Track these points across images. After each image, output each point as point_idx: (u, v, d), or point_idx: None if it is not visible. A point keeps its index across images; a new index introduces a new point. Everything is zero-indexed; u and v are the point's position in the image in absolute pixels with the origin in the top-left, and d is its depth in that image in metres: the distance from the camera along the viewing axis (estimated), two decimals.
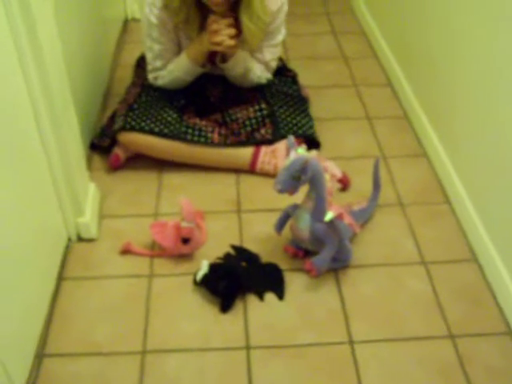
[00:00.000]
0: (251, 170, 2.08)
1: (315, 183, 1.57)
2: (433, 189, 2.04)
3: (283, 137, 2.06)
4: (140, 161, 2.12)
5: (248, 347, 1.55)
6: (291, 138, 1.58)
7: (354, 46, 2.89)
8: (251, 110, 2.11)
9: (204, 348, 1.55)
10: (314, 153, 1.57)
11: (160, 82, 2.14)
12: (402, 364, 1.52)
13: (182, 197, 1.72)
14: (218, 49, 1.97)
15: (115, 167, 2.09)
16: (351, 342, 1.57)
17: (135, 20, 3.09)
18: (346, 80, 2.63)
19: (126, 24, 3.06)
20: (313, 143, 2.10)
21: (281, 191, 1.55)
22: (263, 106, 2.12)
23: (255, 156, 2.06)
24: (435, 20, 2.12)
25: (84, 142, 1.95)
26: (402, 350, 1.55)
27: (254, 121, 2.09)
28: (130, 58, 2.63)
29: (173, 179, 2.07)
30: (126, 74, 2.56)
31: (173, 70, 2.09)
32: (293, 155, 1.54)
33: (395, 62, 2.56)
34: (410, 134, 2.30)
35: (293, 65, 2.64)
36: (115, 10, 2.89)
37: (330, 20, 3.12)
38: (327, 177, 1.59)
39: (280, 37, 2.14)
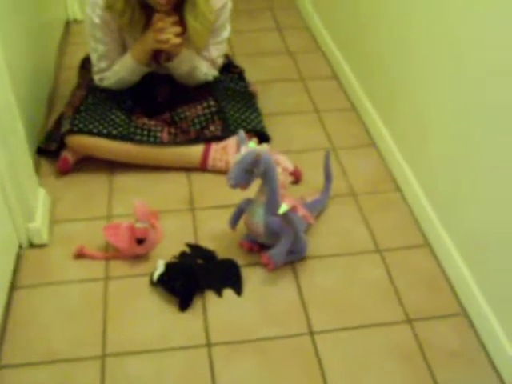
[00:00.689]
0: (202, 167, 2.07)
1: (268, 177, 1.57)
2: (383, 178, 2.07)
3: (233, 133, 2.06)
4: (90, 163, 2.08)
5: (209, 344, 1.54)
6: (241, 133, 1.58)
7: (299, 41, 2.90)
8: (199, 107, 2.10)
9: (165, 348, 1.54)
10: (265, 146, 1.58)
11: (106, 83, 2.11)
12: (364, 351, 1.53)
13: (135, 198, 1.71)
14: (164, 47, 1.95)
15: (64, 171, 2.06)
16: (312, 333, 1.57)
17: (77, 21, 3.03)
18: (293, 74, 2.64)
19: (68, 25, 3.00)
20: (262, 138, 2.10)
21: (234, 186, 1.55)
22: (211, 103, 2.11)
23: (206, 153, 2.05)
24: (380, 11, 2.14)
25: (30, 147, 1.91)
26: (362, 338, 1.57)
27: (202, 118, 2.08)
28: (73, 60, 2.58)
29: (124, 180, 2.04)
30: (70, 76, 2.52)
31: (118, 70, 2.07)
32: (244, 149, 1.54)
33: (340, 55, 2.59)
34: (358, 125, 2.33)
35: (238, 61, 2.63)
36: (56, 12, 2.84)
37: (273, 15, 3.12)
38: (279, 170, 1.60)
39: (225, 33, 2.13)
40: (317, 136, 2.26)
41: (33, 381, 1.47)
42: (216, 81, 2.21)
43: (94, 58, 2.08)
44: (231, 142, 2.06)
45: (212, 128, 2.08)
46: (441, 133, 1.74)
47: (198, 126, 2.07)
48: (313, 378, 1.48)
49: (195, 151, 2.06)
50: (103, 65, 2.08)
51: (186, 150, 2.06)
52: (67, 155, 2.05)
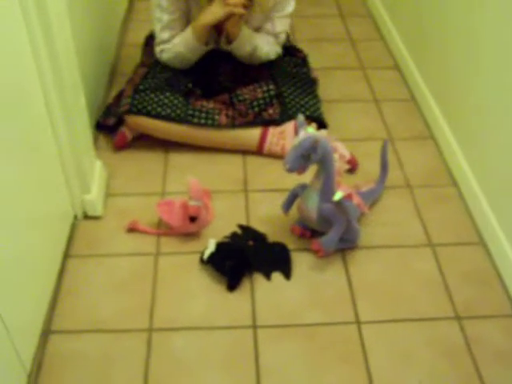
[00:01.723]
0: (259, 151, 2.07)
1: (324, 163, 1.56)
2: (440, 171, 2.04)
3: (291, 117, 2.05)
4: (146, 140, 2.10)
5: (255, 326, 1.55)
6: (301, 117, 1.56)
7: (361, 29, 2.87)
8: (259, 90, 2.10)
9: (211, 326, 1.55)
10: (323, 132, 1.56)
11: (165, 56, 2.11)
12: (409, 344, 1.52)
13: (190, 176, 1.71)
14: (229, 10, 1.94)
15: (121, 146, 2.09)
16: (358, 323, 1.56)
17: None
18: (353, 62, 2.61)
19: (132, 2, 3.03)
20: (320, 125, 2.09)
21: (290, 170, 1.54)
22: (271, 86, 2.10)
23: (263, 137, 2.05)
24: (449, 5, 2.10)
25: (90, 121, 1.93)
26: (408, 331, 1.55)
27: (261, 101, 2.07)
28: (136, 37, 2.62)
29: (180, 158, 2.06)
30: (132, 53, 2.55)
31: (177, 43, 2.07)
32: (302, 134, 1.52)
33: (403, 45, 2.55)
34: (417, 116, 2.29)
35: (300, 46, 2.62)
36: None
37: (337, 2, 3.09)
38: (336, 157, 1.58)
39: (289, 8, 2.12)
40: (375, 125, 2.24)
41: (79, 348, 1.49)
42: (278, 64, 2.20)
43: (157, 28, 2.08)
44: (289, 126, 2.05)
45: (270, 111, 2.07)
46: (502, 129, 1.69)
47: (256, 109, 2.06)
48: (356, 366, 1.47)
49: (252, 135, 2.06)
50: (166, 35, 2.08)
51: (244, 133, 2.06)
52: (125, 131, 2.07)
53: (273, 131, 2.05)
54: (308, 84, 2.20)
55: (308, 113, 2.07)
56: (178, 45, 2.07)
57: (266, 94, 2.09)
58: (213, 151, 2.08)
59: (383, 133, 2.20)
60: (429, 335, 1.54)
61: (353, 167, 2.00)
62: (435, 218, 1.86)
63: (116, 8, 2.71)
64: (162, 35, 2.08)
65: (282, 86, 2.13)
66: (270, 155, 2.07)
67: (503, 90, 1.69)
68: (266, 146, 2.06)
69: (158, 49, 2.12)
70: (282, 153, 2.01)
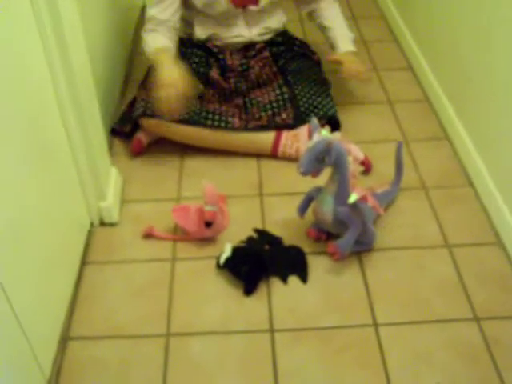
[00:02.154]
0: (273, 154, 2.07)
1: (339, 165, 1.56)
2: (455, 172, 2.03)
3: (304, 122, 2.05)
4: (161, 146, 2.12)
5: (272, 330, 1.55)
6: (314, 120, 1.56)
7: (374, 31, 2.87)
8: (272, 93, 2.10)
9: (228, 331, 1.55)
10: (337, 135, 1.56)
11: (143, 36, 2.10)
12: (427, 347, 1.51)
13: (205, 181, 1.72)
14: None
15: (137, 152, 2.10)
16: (376, 325, 1.56)
17: None
18: (367, 64, 2.61)
19: (144, 10, 3.04)
20: (334, 125, 2.08)
21: (304, 173, 1.54)
22: (284, 89, 2.11)
23: (277, 141, 2.05)
24: (461, 5, 2.09)
25: (105, 128, 1.94)
26: (426, 333, 1.54)
27: (275, 104, 2.08)
28: None
29: (194, 164, 2.07)
30: (144, 61, 2.55)
31: (146, 40, 2.07)
32: (316, 137, 1.52)
33: (416, 46, 2.54)
34: (431, 117, 2.29)
35: (314, 49, 2.63)
36: None
37: (349, 4, 3.09)
38: (350, 159, 1.58)
39: None
40: (389, 127, 2.23)
41: (98, 354, 1.50)
42: (292, 66, 2.22)
43: (152, 2, 2.07)
44: (303, 129, 2.05)
45: (284, 115, 2.07)
46: None
47: (269, 112, 2.07)
48: (374, 369, 1.46)
49: (266, 138, 2.06)
50: (153, 11, 2.06)
51: (257, 136, 2.06)
52: (140, 136, 2.09)
53: (286, 134, 2.05)
54: (321, 84, 2.20)
55: (322, 113, 2.07)
56: (146, 41, 2.07)
57: (280, 97, 2.09)
58: (227, 156, 2.08)
59: (397, 134, 2.19)
60: (447, 337, 1.53)
61: (367, 169, 2.00)
62: (451, 218, 1.85)
63: (129, 16, 2.73)
64: (151, 10, 2.06)
65: (296, 88, 2.13)
66: (285, 158, 2.07)
67: None
68: (280, 149, 2.06)
69: (144, 27, 2.11)
70: (296, 155, 2.02)
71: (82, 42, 1.60)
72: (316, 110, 2.08)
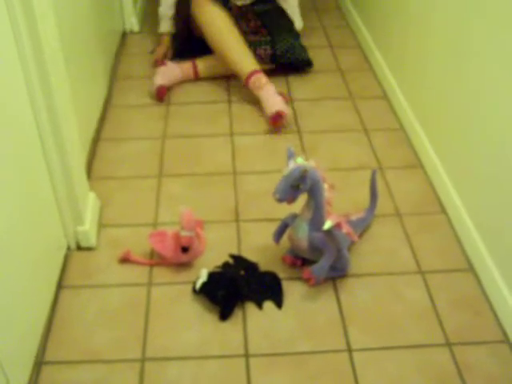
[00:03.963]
0: (245, 84, 2.51)
1: (314, 192, 1.59)
2: (429, 199, 2.06)
3: (280, 60, 2.67)
4: (138, 168, 2.15)
5: (247, 355, 1.56)
6: (291, 149, 1.59)
7: (350, 59, 2.92)
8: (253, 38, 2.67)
9: (203, 356, 1.56)
10: (312, 162, 1.59)
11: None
12: (401, 372, 1.53)
13: (182, 206, 1.73)
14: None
15: (162, 97, 2.55)
16: (349, 350, 1.57)
17: (133, 33, 3.12)
18: (343, 92, 2.65)
19: (125, 36, 3.08)
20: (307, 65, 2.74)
21: (280, 200, 1.56)
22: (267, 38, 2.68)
23: (251, 74, 2.48)
24: (430, 30, 2.14)
25: (83, 153, 1.96)
26: (400, 358, 1.56)
27: (257, 43, 2.64)
28: (128, 70, 2.68)
29: (171, 188, 2.08)
30: (124, 86, 2.59)
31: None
32: (292, 164, 1.55)
33: (390, 74, 2.59)
34: (406, 145, 2.33)
35: (290, 78, 2.70)
36: (113, 23, 2.92)
37: (326, 33, 3.15)
38: (326, 186, 1.61)
39: None
40: (364, 155, 2.27)
41: (72, 379, 1.50)
42: (272, 19, 2.77)
43: None
44: (271, 86, 2.45)
45: (262, 52, 2.63)
46: (490, 158, 1.73)
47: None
48: None
49: (247, 65, 2.50)
50: None
51: (245, 58, 2.52)
52: (162, 82, 2.55)
53: (261, 76, 2.48)
54: (295, 34, 2.75)
55: (295, 55, 2.68)
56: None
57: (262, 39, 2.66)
58: (204, 181, 2.11)
59: (373, 162, 2.23)
60: (420, 362, 1.55)
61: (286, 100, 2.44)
62: (425, 245, 1.88)
63: (109, 41, 2.75)
64: None
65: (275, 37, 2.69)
66: (253, 91, 2.49)
67: (490, 115, 1.72)
68: (251, 82, 2.48)
69: None
70: (257, 96, 2.48)
71: (63, 68, 1.62)
72: (291, 51, 2.67)
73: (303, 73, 2.77)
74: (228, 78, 2.68)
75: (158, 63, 2.70)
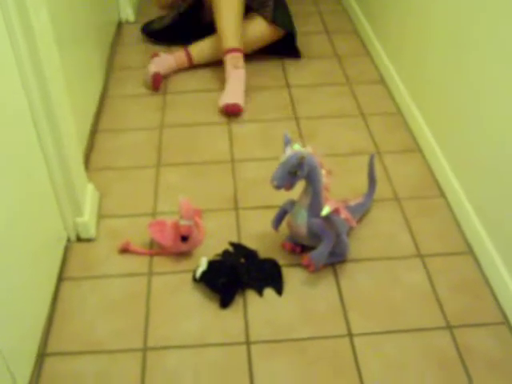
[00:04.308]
0: (224, 55, 2.52)
1: (312, 179, 1.58)
2: (428, 183, 2.06)
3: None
4: (136, 159, 2.15)
5: (248, 342, 1.56)
6: (287, 135, 1.59)
7: (347, 45, 2.91)
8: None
9: (205, 344, 1.56)
10: (309, 148, 1.59)
11: None
12: (402, 356, 1.53)
13: (181, 196, 1.74)
14: None
15: (157, 87, 2.54)
16: (350, 335, 1.58)
17: (129, 23, 3.11)
18: (340, 78, 2.65)
19: (120, 26, 3.07)
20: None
21: (277, 187, 1.56)
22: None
23: (235, 50, 2.50)
24: (430, 17, 2.14)
25: (81, 142, 1.96)
26: (400, 342, 1.56)
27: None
28: (124, 61, 2.67)
29: (169, 178, 2.08)
30: (121, 76, 2.59)
31: None
32: (289, 151, 1.55)
33: (387, 59, 2.58)
34: (404, 129, 2.33)
35: (286, 63, 2.69)
36: (109, 14, 2.91)
37: (322, 19, 3.14)
38: (323, 172, 1.61)
39: None
40: (362, 140, 2.27)
41: (75, 369, 1.51)
42: None
43: None
44: (242, 74, 2.47)
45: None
46: (487, 140, 1.72)
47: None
48: (350, 379, 1.48)
49: (233, 41, 2.50)
50: None
51: (234, 32, 2.51)
52: (156, 70, 2.55)
53: (239, 55, 2.50)
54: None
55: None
56: None
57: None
58: (202, 169, 2.11)
59: (371, 147, 2.23)
60: (421, 346, 1.56)
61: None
62: (424, 229, 1.88)
63: (105, 31, 2.74)
64: None
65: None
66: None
67: (488, 100, 1.72)
68: (229, 58, 2.51)
69: None
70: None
71: (57, 59, 1.62)
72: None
73: (297, 59, 2.76)
74: (223, 66, 2.67)
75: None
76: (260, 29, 2.64)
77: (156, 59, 2.60)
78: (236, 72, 2.47)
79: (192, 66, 2.69)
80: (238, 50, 2.50)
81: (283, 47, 2.75)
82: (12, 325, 1.36)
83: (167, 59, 2.63)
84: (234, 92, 2.42)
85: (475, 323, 1.61)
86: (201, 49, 2.68)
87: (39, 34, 1.46)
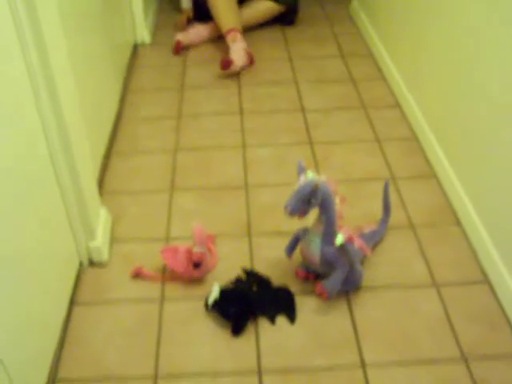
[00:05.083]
0: (225, 36, 2.96)
1: (325, 207, 1.57)
2: (443, 210, 2.04)
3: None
4: (150, 182, 2.16)
5: (260, 371, 1.55)
6: (301, 162, 1.58)
7: (362, 69, 2.91)
8: None
9: (216, 372, 1.55)
10: (323, 177, 1.58)
11: None
12: None
13: (195, 222, 1.73)
14: None
15: (178, 52, 3.02)
16: (363, 365, 1.56)
17: (144, 45, 3.13)
18: (355, 102, 2.64)
19: (136, 48, 3.09)
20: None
21: (291, 214, 1.55)
22: None
23: (233, 30, 2.92)
24: (444, 42, 2.13)
25: (95, 165, 1.96)
26: (414, 373, 1.54)
27: None
28: (139, 83, 2.68)
29: (183, 202, 2.08)
30: (136, 99, 2.60)
31: None
32: (303, 179, 1.54)
33: (403, 83, 2.58)
34: (419, 155, 2.31)
35: (302, 87, 2.68)
36: (125, 36, 2.93)
37: (338, 42, 3.14)
38: (337, 200, 1.60)
39: None
40: (377, 165, 2.26)
41: None
42: None
43: None
44: (242, 43, 2.86)
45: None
46: (504, 167, 1.71)
47: None
48: None
49: (230, 22, 2.94)
50: None
51: (230, 15, 2.98)
52: (180, 38, 3.03)
53: (236, 32, 2.93)
54: None
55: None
56: None
57: None
58: (216, 195, 2.10)
59: (385, 172, 2.22)
60: (435, 378, 1.53)
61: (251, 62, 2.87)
62: (439, 257, 1.86)
63: (121, 54, 2.76)
64: None
65: None
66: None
67: (507, 127, 1.71)
68: (229, 37, 2.93)
69: None
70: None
71: (72, 84, 1.62)
72: None
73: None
74: (239, 87, 2.68)
75: (181, 26, 3.25)
76: (265, 5, 3.20)
77: (189, 29, 3.13)
78: (236, 44, 2.87)
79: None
80: (235, 30, 2.93)
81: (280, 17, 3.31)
82: (23, 349, 1.35)
83: (199, 31, 3.13)
84: (232, 53, 2.85)
85: (492, 354, 1.59)
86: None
87: (54, 58, 1.47)
